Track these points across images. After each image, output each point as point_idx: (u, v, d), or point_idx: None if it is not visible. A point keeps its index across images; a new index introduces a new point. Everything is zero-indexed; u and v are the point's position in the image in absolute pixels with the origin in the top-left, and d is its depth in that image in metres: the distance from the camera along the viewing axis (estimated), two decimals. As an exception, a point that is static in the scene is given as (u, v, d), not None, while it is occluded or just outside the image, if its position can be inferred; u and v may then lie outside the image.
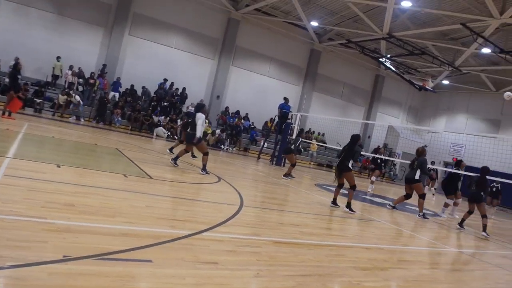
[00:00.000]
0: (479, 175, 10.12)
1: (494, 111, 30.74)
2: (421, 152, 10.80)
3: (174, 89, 23.60)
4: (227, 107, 25.41)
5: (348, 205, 8.82)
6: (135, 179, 7.22)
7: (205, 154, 9.95)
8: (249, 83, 26.74)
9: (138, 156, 10.55)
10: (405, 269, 5.10)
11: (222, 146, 22.03)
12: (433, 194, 19.27)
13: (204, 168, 9.80)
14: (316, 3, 24.25)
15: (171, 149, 12.48)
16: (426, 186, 19.27)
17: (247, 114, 26.06)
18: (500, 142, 25.75)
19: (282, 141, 18.43)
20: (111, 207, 4.92)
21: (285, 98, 19.26)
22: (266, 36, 26.85)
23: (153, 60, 23.44)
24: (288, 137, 17.55)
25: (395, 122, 34.12)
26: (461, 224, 10.09)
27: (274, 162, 18.62)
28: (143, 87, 22.84)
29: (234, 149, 23.04)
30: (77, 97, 19.20)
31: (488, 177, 10.20)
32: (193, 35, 24.55)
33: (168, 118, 21.60)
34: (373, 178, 16.37)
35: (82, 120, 19.14)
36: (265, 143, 21.14)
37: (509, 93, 10.58)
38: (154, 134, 20.55)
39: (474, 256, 7.18)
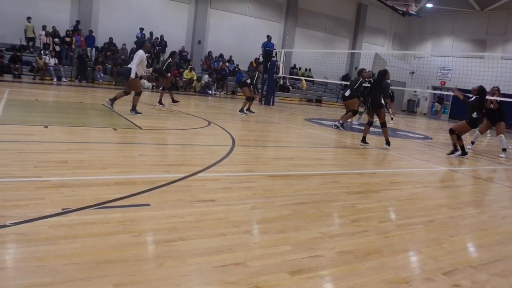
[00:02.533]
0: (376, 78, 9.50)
1: (479, 31, 30.42)
2: (384, 74, 9.33)
3: (154, 38, 23.03)
4: (210, 52, 24.94)
5: (364, 139, 8.89)
6: (125, 131, 7.22)
7: (137, 94, 9.62)
8: (230, 24, 26.08)
9: (125, 109, 10.46)
10: (397, 190, 5.27)
11: (209, 91, 21.86)
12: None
13: (133, 109, 9.52)
14: None
15: (160, 102, 12.54)
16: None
17: (231, 56, 25.64)
18: (487, 61, 25.77)
19: (269, 80, 18.32)
20: (104, 159, 4.95)
21: (268, 36, 18.94)
22: (242, -27, 25.93)
23: (128, 10, 22.64)
24: (280, 76, 17.41)
25: (381, 51, 33.81)
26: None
27: (263, 102, 18.59)
28: (123, 44, 22.18)
29: (221, 93, 22.88)
30: (51, 60, 18.67)
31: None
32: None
33: (151, 68, 21.22)
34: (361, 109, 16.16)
35: (65, 80, 18.76)
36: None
37: None
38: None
39: (464, 173, 7.38)
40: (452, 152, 9.06)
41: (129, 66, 9.55)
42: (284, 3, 28.14)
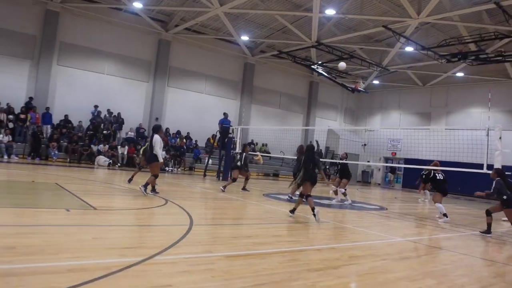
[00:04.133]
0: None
1: (423, 104, 32.53)
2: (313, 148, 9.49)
3: (112, 116, 23.07)
4: (167, 128, 25.10)
5: (313, 210, 8.54)
6: (78, 212, 6.98)
7: (155, 176, 10.15)
8: (187, 102, 26.63)
9: (80, 188, 10.20)
10: (356, 264, 5.27)
11: (166, 168, 21.70)
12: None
13: (146, 187, 10.00)
14: (245, 18, 24.71)
15: (130, 179, 12.34)
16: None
17: (188, 133, 25.89)
18: (433, 132, 27.22)
19: (226, 156, 18.48)
20: (55, 243, 4.73)
21: (224, 113, 19.39)
22: (199, 54, 26.94)
23: (86, 88, 22.82)
24: (233, 151, 17.61)
25: (334, 125, 35.18)
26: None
27: (221, 177, 18.60)
28: (79, 122, 22.05)
29: (179, 169, 22.77)
30: (5, 137, 18.25)
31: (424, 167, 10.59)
32: (125, 60, 24.19)
33: (107, 146, 21.04)
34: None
35: (15, 157, 18.21)
36: (210, 160, 21.09)
37: (342, 63, 11.38)
38: (96, 163, 19.95)
39: (420, 243, 7.52)
40: (486, 232, 9.22)
41: (154, 152, 10.11)
42: (240, 82, 29.22)
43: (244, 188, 14.05)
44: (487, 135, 10.26)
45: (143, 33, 24.67)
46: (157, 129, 10.45)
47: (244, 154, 14.28)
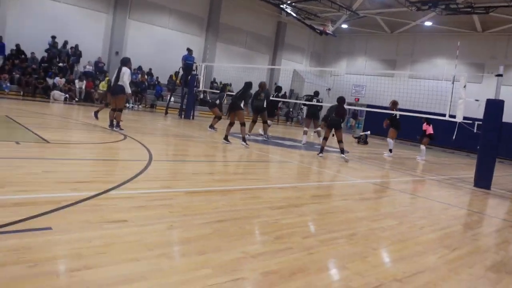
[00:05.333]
0: (337, 104, 10.76)
1: (390, 52, 32.53)
2: (263, 85, 13.15)
3: (69, 48, 21.79)
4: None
5: (244, 139, 10.15)
6: (29, 145, 6.57)
7: (120, 110, 10.02)
8: (150, 36, 25.42)
9: (33, 122, 9.64)
10: (318, 204, 5.23)
11: (127, 105, 20.99)
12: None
13: (117, 125, 9.86)
14: None
15: (96, 113, 11.89)
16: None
17: (150, 69, 24.95)
18: (397, 80, 27.43)
19: (189, 94, 18.02)
20: (2, 177, 4.38)
21: (188, 49, 18.64)
22: (163, -15, 25.48)
23: (41, 17, 21.20)
24: (200, 90, 17.22)
25: (299, 67, 34.84)
26: (321, 151, 10.75)
27: (183, 116, 18.21)
28: (32, 53, 20.66)
29: (140, 106, 22.12)
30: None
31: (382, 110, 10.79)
32: (83, -13, 22.55)
33: (64, 79, 20.00)
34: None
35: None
36: (172, 97, 20.52)
37: None
38: (51, 97, 19.00)
39: (380, 185, 7.60)
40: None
41: (119, 83, 9.91)
42: (206, 18, 28.07)
43: (211, 126, 13.77)
44: (453, 83, 10.27)
45: (103, -41, 22.94)
46: (126, 61, 10.29)
47: (224, 94, 14.59)
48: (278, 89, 15.80)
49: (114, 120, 9.99)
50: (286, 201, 5.01)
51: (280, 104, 19.36)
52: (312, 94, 14.33)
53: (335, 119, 10.55)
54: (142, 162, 6.15)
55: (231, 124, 10.44)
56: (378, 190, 7.01)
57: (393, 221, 4.86)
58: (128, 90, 9.98)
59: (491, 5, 21.08)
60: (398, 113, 13.55)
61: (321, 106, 14.12)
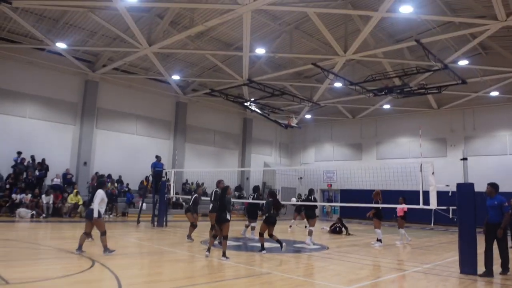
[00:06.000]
0: (271, 199, 11.29)
1: (354, 136, 33.62)
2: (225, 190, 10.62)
3: (37, 162, 21.44)
4: (96, 173, 23.77)
5: (224, 254, 9.67)
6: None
7: (103, 233, 9.48)
8: (118, 144, 25.47)
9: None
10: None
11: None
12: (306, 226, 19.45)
13: (105, 249, 9.38)
14: (175, 57, 24.40)
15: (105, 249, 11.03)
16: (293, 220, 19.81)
17: (120, 176, 24.66)
18: (365, 162, 27.96)
19: (160, 200, 17.71)
20: None
21: (157, 157, 18.65)
22: (128, 94, 26.08)
23: (6, 134, 21.06)
24: (171, 197, 16.95)
25: (269, 160, 35.26)
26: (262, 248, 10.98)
27: (156, 223, 17.68)
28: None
29: (111, 216, 21.45)
30: None
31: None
32: (49, 102, 22.76)
33: (30, 195, 19.34)
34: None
35: None
36: (144, 204, 20.03)
37: None
38: (17, 215, 18.24)
39: (365, 290, 7.24)
40: None
41: (91, 207, 9.63)
42: (172, 121, 28.60)
43: (189, 236, 13.16)
44: (420, 170, 10.42)
45: (68, 74, 23.47)
46: (102, 183, 10.14)
47: (195, 195, 13.80)
48: (256, 189, 15.84)
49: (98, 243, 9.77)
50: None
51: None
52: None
53: (273, 215, 11.05)
54: (111, 299, 5.68)
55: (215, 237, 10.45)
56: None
57: None
58: (96, 214, 9.46)
59: (442, 84, 22.35)
60: (382, 205, 13.87)
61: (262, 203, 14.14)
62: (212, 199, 12.11)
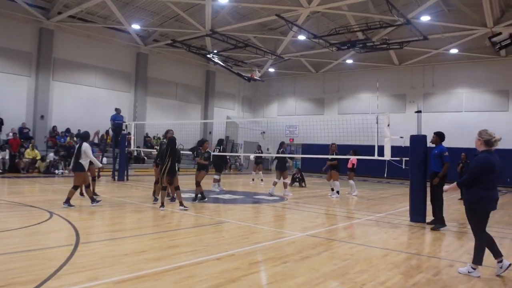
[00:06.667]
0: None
1: (317, 90, 33.82)
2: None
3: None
4: (54, 127, 23.15)
5: (181, 204, 10.10)
6: None
7: (76, 187, 9.80)
8: (76, 96, 24.72)
9: None
10: (257, 273, 5.07)
11: (56, 171, 19.98)
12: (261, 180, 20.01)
13: (67, 201, 9.48)
14: (135, 5, 23.46)
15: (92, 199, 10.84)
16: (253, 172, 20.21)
17: (79, 130, 24.05)
18: (326, 117, 28.34)
19: (120, 154, 17.52)
20: None
21: (116, 109, 18.27)
22: (87, 44, 25.08)
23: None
24: (132, 150, 16.71)
25: (232, 114, 35.20)
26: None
27: (116, 177, 17.57)
28: None
29: (69, 171, 21.09)
30: None
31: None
32: (1, 52, 21.64)
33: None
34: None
35: None
36: (104, 158, 19.78)
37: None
38: (-29, 172, 17.72)
39: (319, 236, 7.57)
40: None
41: (80, 160, 9.68)
42: (133, 73, 27.87)
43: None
44: (377, 122, 10.69)
45: (21, 22, 22.24)
46: (86, 136, 10.18)
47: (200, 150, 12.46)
48: (220, 142, 15.82)
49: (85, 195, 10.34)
50: (223, 276, 4.81)
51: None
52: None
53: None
54: (68, 248, 5.73)
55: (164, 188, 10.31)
56: (318, 244, 6.96)
57: (334, 282, 4.80)
58: (98, 164, 10.23)
59: (404, 40, 22.62)
60: (339, 157, 14.27)
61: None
62: (159, 150, 11.68)
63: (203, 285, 4.48)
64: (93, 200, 9.91)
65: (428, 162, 9.58)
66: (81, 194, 11.17)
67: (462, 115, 26.95)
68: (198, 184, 11.67)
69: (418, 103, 11.03)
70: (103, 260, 5.31)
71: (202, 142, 12.18)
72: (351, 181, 15.68)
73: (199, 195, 11.70)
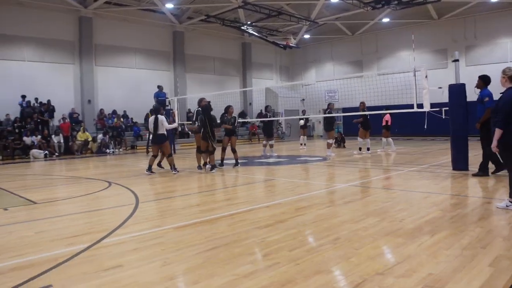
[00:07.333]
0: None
1: (355, 53, 33.29)
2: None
3: (40, 103, 21.85)
4: (101, 109, 24.21)
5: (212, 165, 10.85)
6: (18, 209, 6.71)
7: (170, 155, 10.80)
8: (119, 79, 25.67)
9: (17, 185, 9.73)
10: (303, 215, 5.47)
11: (107, 150, 21.08)
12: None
13: (174, 168, 10.72)
14: (167, -16, 23.84)
15: (159, 164, 11.91)
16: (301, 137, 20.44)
17: (125, 111, 25.13)
18: (366, 79, 28.02)
19: (167, 129, 18.20)
20: (-4, 244, 4.55)
21: (158, 86, 18.97)
22: (124, 28, 25.83)
23: (7, 79, 21.32)
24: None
25: (271, 84, 35.37)
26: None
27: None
28: (7, 115, 20.69)
29: (120, 150, 22.19)
30: None
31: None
32: (46, 43, 22.73)
33: (40, 136, 19.96)
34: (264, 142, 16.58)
35: None
36: (151, 135, 20.57)
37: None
38: (31, 157, 18.99)
39: (362, 186, 7.88)
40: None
41: (160, 132, 10.65)
42: (171, 52, 28.46)
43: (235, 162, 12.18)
44: (414, 75, 10.71)
45: (61, 12, 23.20)
46: (158, 109, 10.99)
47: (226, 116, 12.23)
48: (268, 108, 16.62)
49: (167, 165, 11.16)
50: (272, 219, 5.25)
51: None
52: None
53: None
54: (130, 206, 6.34)
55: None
56: (360, 191, 7.29)
57: (374, 219, 5.12)
58: (176, 125, 11.40)
59: (441, -8, 21.98)
60: (368, 113, 14.38)
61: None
62: (194, 118, 11.90)
63: (254, 225, 4.94)
64: (173, 168, 10.79)
65: (470, 110, 9.52)
66: (160, 165, 11.87)
67: (508, 65, 25.91)
68: (234, 150, 11.80)
69: (462, 58, 10.87)
70: (162, 213, 5.90)
71: (227, 108, 12.08)
72: (385, 139, 15.77)
73: (222, 161, 11.93)
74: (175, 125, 11.30)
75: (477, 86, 8.86)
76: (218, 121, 11.66)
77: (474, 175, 8.64)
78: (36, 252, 4.18)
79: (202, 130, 10.70)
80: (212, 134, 10.60)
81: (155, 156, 10.93)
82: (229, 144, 11.85)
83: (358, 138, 15.11)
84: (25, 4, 21.81)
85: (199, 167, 11.32)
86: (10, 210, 6.62)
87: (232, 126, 11.88)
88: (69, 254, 4.02)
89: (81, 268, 3.61)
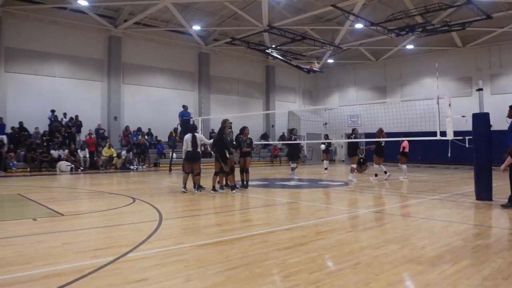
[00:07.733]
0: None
1: (378, 79, 33.36)
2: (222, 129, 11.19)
3: (69, 118, 22.52)
4: (127, 126, 24.76)
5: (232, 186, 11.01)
6: (46, 220, 6.93)
7: (198, 174, 10.97)
8: (145, 98, 26.29)
9: (45, 197, 10.03)
10: (324, 239, 5.52)
11: (131, 167, 21.47)
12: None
13: (199, 187, 10.98)
14: (194, 7, 24.48)
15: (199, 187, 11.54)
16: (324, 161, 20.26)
17: (149, 129, 25.62)
18: (389, 105, 27.94)
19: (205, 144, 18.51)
20: (26, 253, 4.73)
21: (183, 106, 19.33)
22: (152, 48, 26.57)
23: (38, 93, 22.10)
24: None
25: (293, 107, 35.57)
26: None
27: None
28: (36, 128, 21.37)
29: (144, 167, 22.56)
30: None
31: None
32: (76, 60, 23.56)
33: (67, 150, 20.52)
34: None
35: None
36: (174, 154, 20.98)
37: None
38: (57, 169, 19.47)
39: (382, 212, 7.88)
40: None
41: (198, 150, 11.00)
42: (196, 72, 29.03)
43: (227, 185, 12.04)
44: (437, 103, 10.71)
45: (92, 31, 24.08)
46: (195, 128, 11.37)
47: (241, 137, 12.29)
48: (292, 131, 17.89)
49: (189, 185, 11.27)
50: (292, 241, 5.32)
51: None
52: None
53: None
54: (154, 222, 6.49)
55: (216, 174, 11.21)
56: (380, 218, 7.29)
57: (395, 246, 5.14)
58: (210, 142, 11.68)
59: (466, 20, 21.92)
60: (382, 139, 14.53)
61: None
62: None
63: (275, 247, 5.01)
64: (198, 187, 11.05)
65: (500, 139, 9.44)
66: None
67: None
68: (247, 171, 11.80)
69: (487, 87, 10.86)
70: (185, 230, 6.03)
71: (242, 129, 12.12)
72: (401, 165, 15.70)
73: (242, 183, 11.79)
74: (211, 140, 11.54)
75: (509, 116, 8.75)
76: (234, 142, 11.78)
77: (503, 206, 8.50)
78: (63, 263, 4.34)
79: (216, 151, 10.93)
80: (223, 156, 10.62)
81: (188, 173, 11.08)
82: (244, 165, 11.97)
83: (374, 164, 15.16)
84: (59, 22, 22.72)
85: (184, 187, 10.99)
86: (39, 220, 6.85)
87: (249, 147, 12.06)
88: (95, 266, 4.16)
89: (107, 280, 3.74)
